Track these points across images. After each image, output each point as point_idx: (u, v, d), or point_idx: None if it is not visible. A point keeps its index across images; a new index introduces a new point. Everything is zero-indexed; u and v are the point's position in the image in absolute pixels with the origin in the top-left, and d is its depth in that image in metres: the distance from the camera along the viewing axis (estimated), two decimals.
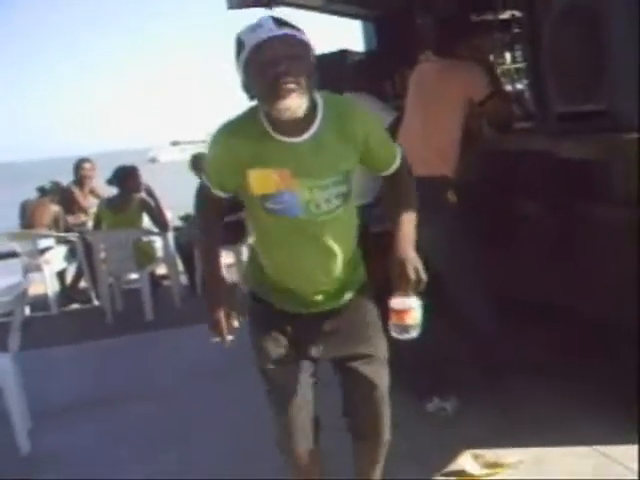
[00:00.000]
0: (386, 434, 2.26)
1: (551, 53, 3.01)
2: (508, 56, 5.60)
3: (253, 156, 1.91)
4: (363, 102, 3.97)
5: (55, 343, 5.38)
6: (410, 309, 1.99)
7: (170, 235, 6.46)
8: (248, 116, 1.94)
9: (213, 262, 2.18)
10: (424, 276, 2.01)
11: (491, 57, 5.27)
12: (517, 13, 5.18)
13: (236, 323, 2.11)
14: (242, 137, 1.92)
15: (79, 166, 7.27)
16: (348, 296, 2.15)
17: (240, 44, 1.84)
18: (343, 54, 5.34)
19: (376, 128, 2.05)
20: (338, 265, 2.06)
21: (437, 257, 3.21)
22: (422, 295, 2.05)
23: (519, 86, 5.17)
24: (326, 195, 1.94)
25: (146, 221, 6.28)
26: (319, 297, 2.11)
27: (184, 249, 6.56)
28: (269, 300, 2.16)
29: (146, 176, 6.51)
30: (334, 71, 5.17)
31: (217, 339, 2.12)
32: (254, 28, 1.82)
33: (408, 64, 4.00)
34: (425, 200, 2.71)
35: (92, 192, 7.31)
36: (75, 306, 6.78)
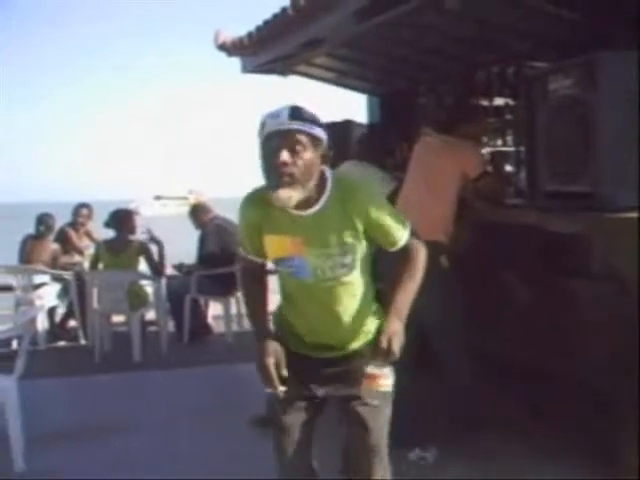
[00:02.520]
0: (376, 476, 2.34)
1: (545, 138, 3.32)
2: (499, 141, 5.97)
3: (270, 224, 2.18)
4: (364, 171, 4.28)
5: (43, 375, 5.46)
6: (380, 376, 2.17)
7: (163, 282, 6.64)
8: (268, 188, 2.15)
9: (261, 322, 2.36)
10: (396, 350, 2.12)
11: (485, 139, 5.64)
12: (510, 101, 5.60)
13: (285, 372, 2.22)
14: (261, 206, 2.17)
15: (77, 210, 7.52)
16: (356, 345, 2.31)
17: (262, 126, 2.06)
18: (348, 124, 5.66)
19: (378, 208, 2.18)
20: (343, 325, 2.25)
21: (427, 317, 3.48)
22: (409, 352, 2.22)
23: (508, 168, 5.53)
24: (331, 263, 2.16)
25: (142, 266, 6.49)
26: (329, 346, 2.30)
27: (175, 297, 6.71)
28: (286, 343, 2.33)
29: None
30: (338, 140, 5.50)
31: (270, 390, 2.23)
32: (273, 115, 2.03)
33: (408, 138, 4.31)
34: None
35: (87, 234, 7.52)
36: (62, 343, 6.85)
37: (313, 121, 2.06)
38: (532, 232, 3.43)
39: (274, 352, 2.22)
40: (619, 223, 2.94)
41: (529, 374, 3.80)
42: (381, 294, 2.36)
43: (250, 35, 5.42)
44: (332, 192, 2.13)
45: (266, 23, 5.08)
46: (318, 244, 2.14)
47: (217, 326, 7.03)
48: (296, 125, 2.01)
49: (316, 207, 2.12)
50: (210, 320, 7.12)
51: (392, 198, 4.10)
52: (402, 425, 3.55)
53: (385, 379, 2.16)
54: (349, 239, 2.15)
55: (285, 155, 1.99)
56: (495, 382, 3.85)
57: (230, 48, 5.88)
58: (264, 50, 5.48)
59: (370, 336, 2.32)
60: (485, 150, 5.16)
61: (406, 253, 2.26)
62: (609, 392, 3.18)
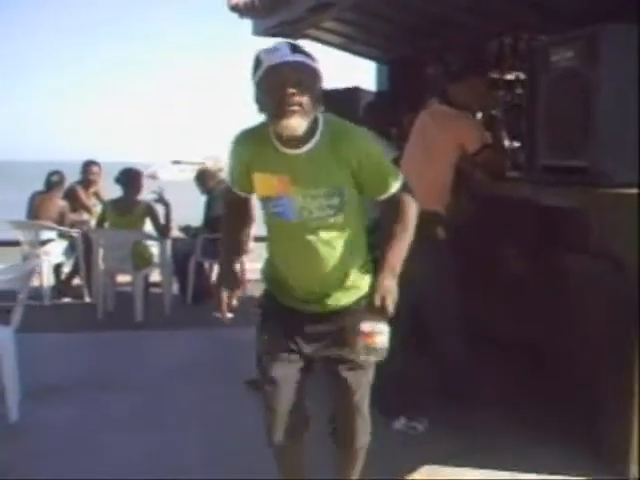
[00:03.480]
0: (360, 441, 2.43)
1: (545, 111, 3.29)
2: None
3: (259, 162, 2.21)
4: None
5: (46, 331, 5.55)
6: (376, 333, 2.14)
7: (168, 243, 6.70)
8: (260, 127, 2.21)
9: (228, 255, 2.49)
10: (390, 307, 2.13)
11: (495, 112, 5.56)
12: (521, 75, 5.51)
13: (235, 302, 2.40)
14: (251, 144, 2.23)
15: (87, 168, 7.50)
16: (343, 302, 2.31)
17: (258, 63, 2.09)
18: (355, 91, 5.60)
19: (370, 152, 2.20)
20: (329, 270, 2.25)
21: (420, 286, 3.48)
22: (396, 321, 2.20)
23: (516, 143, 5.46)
24: (317, 203, 2.17)
25: (149, 227, 6.53)
26: (312, 296, 2.31)
27: (180, 259, 6.79)
28: (275, 294, 2.39)
29: (145, 191, 6.74)
30: (345, 106, 5.46)
31: (218, 314, 2.39)
32: (272, 51, 2.07)
33: (416, 108, 4.26)
34: (416, 232, 2.97)
35: (96, 194, 7.54)
36: (67, 300, 6.94)
37: (310, 56, 2.10)
38: (528, 206, 3.40)
39: (231, 279, 2.41)
40: (615, 199, 2.91)
41: (520, 348, 3.80)
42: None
43: None
44: (324, 133, 2.15)
45: None
46: (306, 183, 2.16)
47: None
48: (300, 57, 2.05)
49: (308, 146, 2.14)
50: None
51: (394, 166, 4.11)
52: (388, 393, 3.60)
53: (381, 336, 2.14)
54: (338, 180, 2.16)
55: (294, 85, 2.02)
56: (486, 355, 3.84)
57: (242, 9, 5.83)
58: (274, 13, 5.43)
59: (361, 293, 2.33)
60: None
61: (397, 205, 2.26)
62: (601, 369, 3.17)
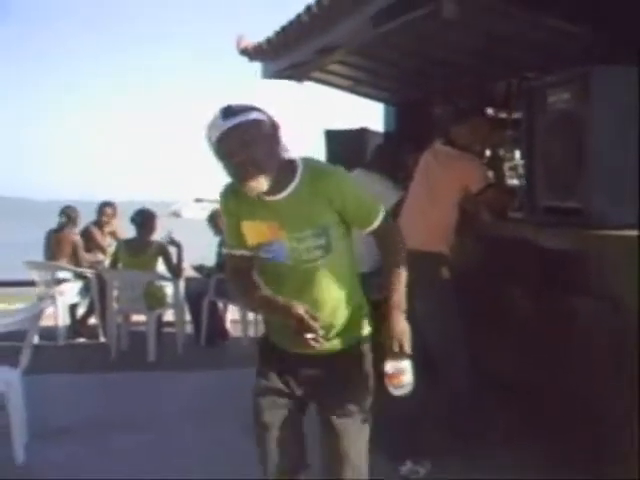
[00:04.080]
0: None
1: (543, 152, 3.30)
2: (517, 153, 5.92)
3: (246, 211, 2.24)
4: (370, 179, 4.31)
5: (58, 371, 5.60)
6: (400, 372, 2.23)
7: (181, 283, 6.75)
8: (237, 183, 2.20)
9: (268, 303, 2.31)
10: (408, 347, 2.22)
11: (501, 152, 5.60)
12: None
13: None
14: (236, 196, 2.24)
15: (101, 209, 7.64)
16: (339, 345, 2.30)
17: (208, 139, 2.11)
18: (363, 132, 5.68)
19: (350, 188, 2.23)
20: (327, 311, 2.25)
21: (427, 327, 3.49)
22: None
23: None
24: (305, 245, 2.20)
25: (161, 267, 6.60)
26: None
27: (194, 298, 6.82)
28: (271, 338, 2.40)
29: (168, 229, 6.86)
30: (352, 148, 5.54)
31: (310, 336, 2.13)
32: (210, 126, 2.08)
33: (422, 149, 4.30)
34: (421, 274, 2.99)
35: (112, 233, 7.64)
36: (82, 340, 7.00)
37: (244, 110, 2.09)
38: (530, 246, 3.41)
39: (300, 306, 2.15)
40: (609, 241, 2.91)
41: (524, 388, 3.77)
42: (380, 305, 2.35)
43: (269, 41, 5.49)
44: (303, 176, 2.18)
45: (283, 29, 5.14)
46: (292, 227, 2.18)
47: (235, 331, 7.07)
48: (233, 121, 2.05)
49: (288, 190, 2.16)
50: (228, 324, 7.17)
51: (398, 207, 4.15)
52: (396, 438, 3.58)
53: (405, 374, 2.22)
54: (322, 220, 2.19)
55: (237, 153, 2.05)
56: (491, 395, 3.82)
57: (251, 53, 5.96)
58: (282, 56, 5.54)
59: (357, 336, 2.33)
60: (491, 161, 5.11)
61: (383, 236, 2.33)
62: (605, 408, 3.15)
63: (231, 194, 2.28)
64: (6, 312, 4.58)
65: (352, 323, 2.33)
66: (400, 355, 2.21)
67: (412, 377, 2.24)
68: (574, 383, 3.39)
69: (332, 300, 2.27)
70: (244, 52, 6.00)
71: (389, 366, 2.23)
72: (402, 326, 2.24)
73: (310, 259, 2.21)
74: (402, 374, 2.22)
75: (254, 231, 2.26)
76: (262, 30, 6.39)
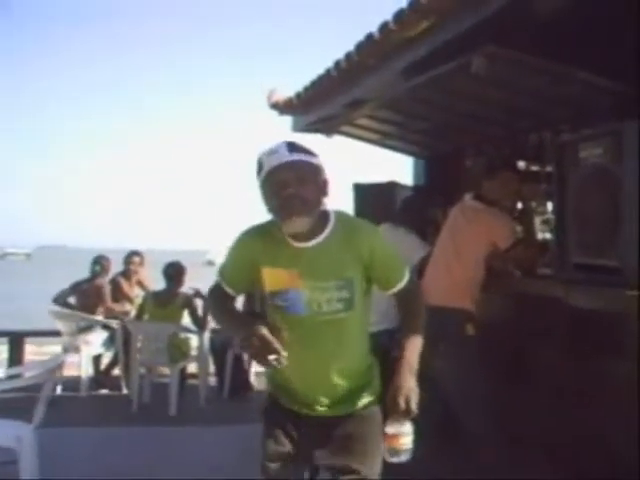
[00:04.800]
0: None
1: (574, 208, 3.21)
2: (549, 206, 5.80)
3: (269, 257, 2.18)
4: (397, 234, 4.22)
5: (79, 423, 5.52)
6: (401, 434, 2.13)
7: (206, 335, 6.68)
8: (270, 223, 2.19)
9: (239, 317, 2.39)
10: (414, 407, 2.14)
11: (533, 204, 5.49)
12: None
13: (286, 334, 2.09)
14: (262, 239, 2.20)
15: (129, 259, 7.69)
16: (352, 407, 2.25)
17: (260, 166, 2.11)
18: (392, 186, 5.63)
19: (381, 246, 2.21)
20: (339, 370, 2.20)
21: (449, 381, 3.37)
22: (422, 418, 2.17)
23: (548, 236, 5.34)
24: (327, 297, 2.13)
25: (186, 319, 6.54)
26: (321, 400, 2.24)
27: (218, 351, 6.75)
28: (279, 399, 2.32)
29: (202, 277, 6.82)
30: (381, 201, 5.48)
31: (272, 357, 2.03)
32: (270, 152, 2.09)
33: (452, 202, 4.23)
34: (445, 330, 2.88)
35: (139, 283, 7.66)
36: (104, 391, 6.92)
37: (309, 152, 2.11)
38: (559, 304, 3.27)
39: (264, 326, 2.05)
40: None
41: (549, 447, 3.59)
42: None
43: (299, 95, 5.52)
44: (335, 227, 2.16)
45: (313, 84, 5.16)
46: (315, 276, 2.13)
47: (259, 384, 6.97)
48: (296, 156, 2.06)
49: (318, 239, 2.14)
50: (252, 377, 7.07)
51: (424, 261, 4.05)
52: None
53: (406, 437, 2.14)
54: (348, 273, 2.15)
55: (293, 185, 2.03)
56: (515, 452, 3.63)
57: (282, 107, 5.99)
58: (312, 110, 5.56)
59: (369, 398, 2.28)
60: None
61: (406, 298, 2.29)
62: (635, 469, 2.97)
63: (257, 236, 2.23)
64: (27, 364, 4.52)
65: (364, 384, 2.29)
66: (404, 415, 2.13)
67: (412, 443, 2.15)
68: (602, 445, 3.23)
69: (346, 357, 2.23)
70: (275, 106, 6.03)
71: (391, 426, 2.14)
72: (411, 386, 2.17)
73: (330, 311, 2.16)
74: (403, 436, 2.13)
75: (273, 278, 2.19)
76: (291, 84, 6.50)
